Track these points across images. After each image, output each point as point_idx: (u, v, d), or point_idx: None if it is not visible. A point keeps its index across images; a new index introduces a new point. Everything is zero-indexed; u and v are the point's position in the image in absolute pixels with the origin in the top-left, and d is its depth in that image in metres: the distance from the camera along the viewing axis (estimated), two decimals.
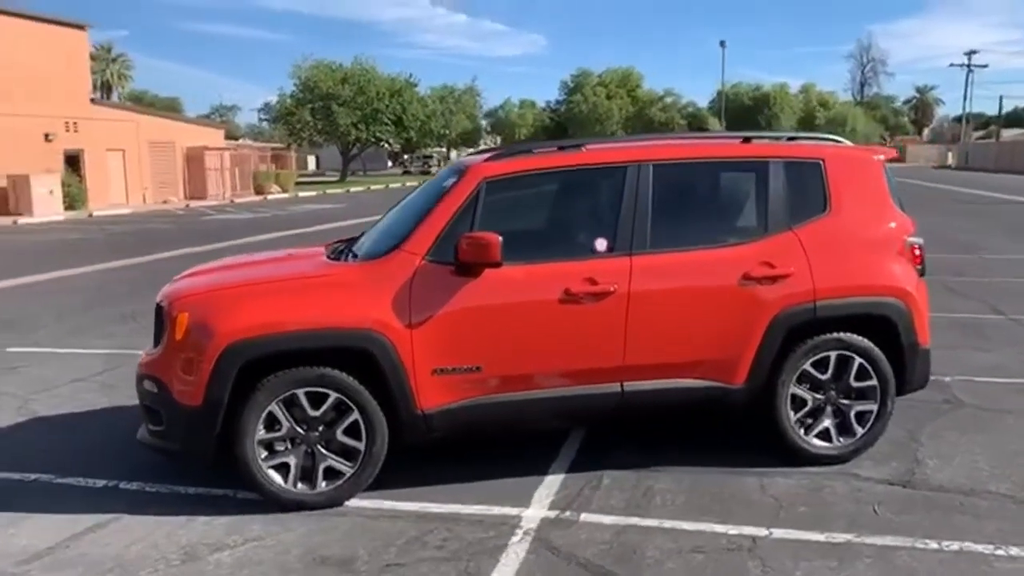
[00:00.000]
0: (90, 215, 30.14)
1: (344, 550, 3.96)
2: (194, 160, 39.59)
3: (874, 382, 4.83)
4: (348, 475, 4.43)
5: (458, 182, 4.64)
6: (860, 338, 4.79)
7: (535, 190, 4.90)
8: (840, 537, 3.98)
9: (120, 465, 5.03)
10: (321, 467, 4.41)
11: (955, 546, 3.87)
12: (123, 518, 4.37)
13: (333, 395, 4.36)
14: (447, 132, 78.92)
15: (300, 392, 4.33)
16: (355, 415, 4.39)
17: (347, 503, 4.45)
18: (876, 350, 4.81)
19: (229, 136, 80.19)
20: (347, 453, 4.43)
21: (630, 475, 4.78)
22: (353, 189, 48.27)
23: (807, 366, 4.77)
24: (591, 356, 4.58)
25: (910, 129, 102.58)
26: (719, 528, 4.10)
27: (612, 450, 5.17)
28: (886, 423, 4.93)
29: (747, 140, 5.06)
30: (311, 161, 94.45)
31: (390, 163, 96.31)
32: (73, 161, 33.26)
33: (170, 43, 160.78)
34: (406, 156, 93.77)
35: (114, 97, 77.72)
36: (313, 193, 44.50)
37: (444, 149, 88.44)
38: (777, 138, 5.25)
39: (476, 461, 4.98)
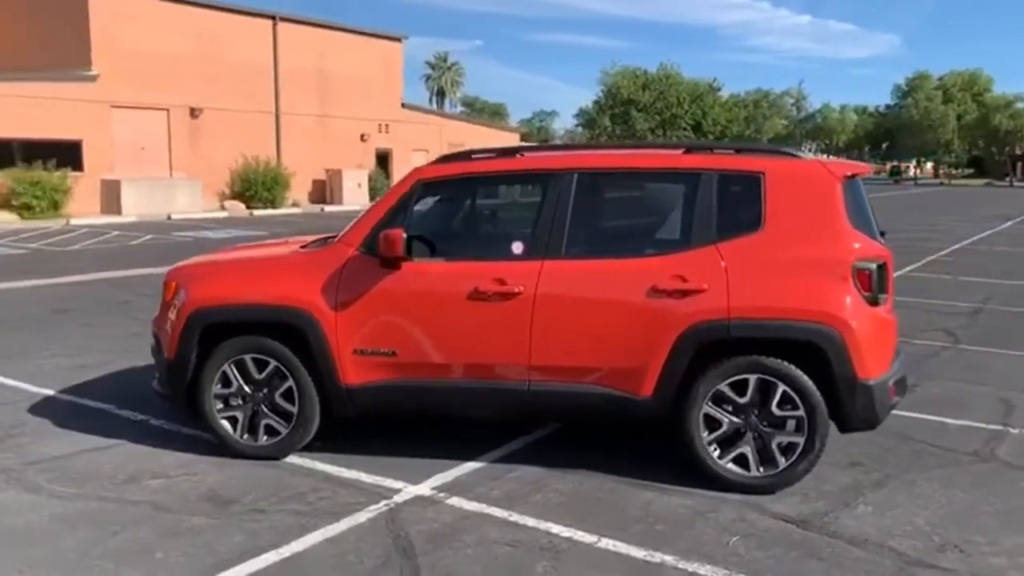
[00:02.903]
0: None
1: (237, 493, 4.63)
2: None
3: (800, 412, 4.51)
4: (284, 434, 5.09)
5: (399, 183, 5.10)
6: (784, 363, 4.50)
7: (469, 193, 5.21)
8: (659, 557, 3.89)
9: (165, 406, 6.10)
10: (263, 423, 5.12)
11: None
12: (124, 444, 5.42)
13: (272, 362, 5.05)
14: (759, 137, 76.72)
15: (247, 357, 5.07)
16: (290, 382, 5.03)
17: (285, 458, 5.12)
18: (804, 378, 4.49)
19: (544, 140, 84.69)
20: (284, 415, 5.09)
21: (542, 473, 4.92)
22: None
23: (723, 387, 4.58)
24: (498, 352, 4.81)
25: None
26: (555, 529, 4.18)
27: (559, 448, 5.32)
28: (815, 458, 4.58)
29: (688, 151, 4.93)
30: None
31: None
32: (383, 159, 37.53)
33: (516, 52, 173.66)
34: None
35: (446, 103, 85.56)
36: None
37: None
38: (724, 149, 5.00)
39: (425, 440, 5.41)
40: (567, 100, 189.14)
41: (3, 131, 25.12)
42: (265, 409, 5.11)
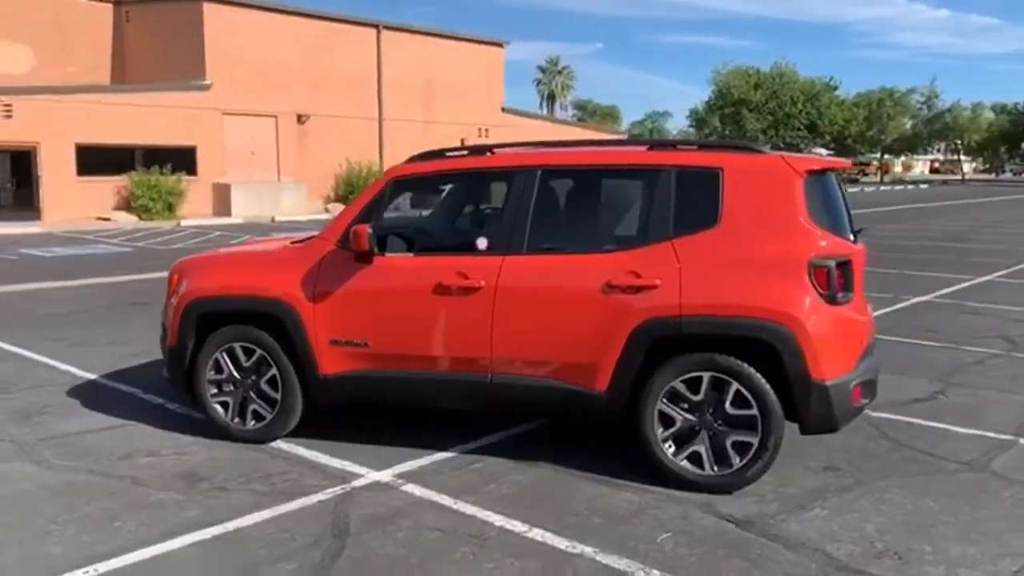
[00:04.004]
0: None
1: (213, 472, 4.92)
2: None
3: (754, 412, 4.43)
4: (268, 419, 5.35)
5: (376, 180, 5.29)
6: (737, 361, 4.42)
7: (441, 190, 5.33)
8: (580, 549, 3.92)
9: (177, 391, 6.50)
10: (250, 409, 5.40)
11: None
12: (136, 425, 5.83)
13: (258, 351, 5.32)
14: (883, 138, 73.50)
15: (236, 345, 5.37)
16: (273, 370, 5.30)
17: (269, 442, 5.38)
18: (757, 377, 4.40)
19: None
20: (269, 401, 5.35)
21: (507, 465, 4.99)
22: None
23: (677, 384, 4.54)
24: (462, 345, 4.92)
25: None
26: (492, 518, 4.26)
27: (533, 442, 5.38)
28: (770, 459, 4.47)
29: (652, 148, 4.89)
30: None
31: None
32: None
33: (636, 54, 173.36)
34: None
35: (557, 106, 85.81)
36: None
37: (878, 155, 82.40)
38: (687, 145, 4.92)
39: (412, 429, 5.57)
40: (685, 100, 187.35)
41: (126, 138, 26.96)
42: (253, 395, 5.39)
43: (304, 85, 31.29)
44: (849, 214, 4.92)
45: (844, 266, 4.46)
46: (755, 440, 4.45)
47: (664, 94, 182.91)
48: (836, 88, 59.81)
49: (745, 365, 4.41)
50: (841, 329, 4.46)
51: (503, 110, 39.04)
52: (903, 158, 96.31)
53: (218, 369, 5.43)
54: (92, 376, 7.15)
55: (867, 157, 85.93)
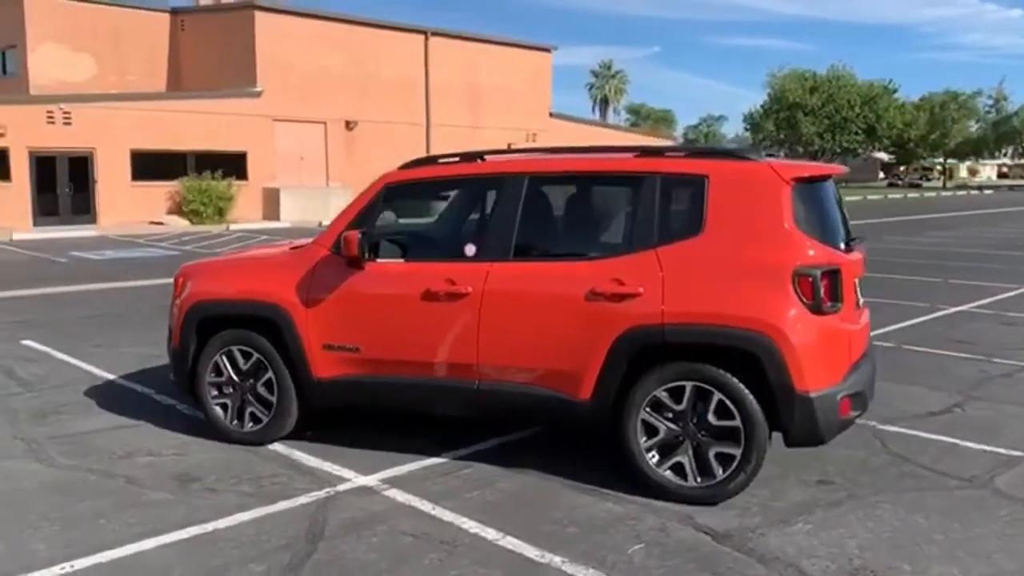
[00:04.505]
0: None
1: (206, 473, 5.02)
2: None
3: (737, 423, 4.35)
4: (265, 421, 5.43)
5: (369, 187, 5.34)
6: (719, 371, 4.35)
7: (433, 196, 5.35)
8: (549, 558, 3.89)
9: None
10: (248, 411, 5.49)
11: None
12: (143, 425, 5.97)
13: (255, 355, 5.41)
14: (946, 142, 71.64)
15: (235, 348, 5.46)
16: (269, 373, 5.38)
17: (267, 444, 5.46)
18: (740, 388, 4.32)
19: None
20: (266, 404, 5.43)
21: (496, 472, 4.99)
22: None
23: (660, 393, 4.48)
24: (449, 351, 4.93)
25: None
26: (467, 525, 4.26)
27: (528, 450, 5.36)
28: (753, 471, 4.39)
29: (639, 154, 4.83)
30: None
31: (882, 175, 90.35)
32: None
33: (693, 57, 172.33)
34: (901, 168, 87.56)
35: (610, 111, 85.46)
36: None
37: (942, 160, 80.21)
38: (675, 152, 4.84)
39: (409, 435, 5.58)
40: (742, 104, 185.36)
41: (179, 144, 27.69)
42: (250, 398, 5.47)
43: (351, 91, 31.73)
44: (846, 222, 4.80)
45: (832, 275, 4.35)
46: (738, 452, 4.37)
47: (720, 98, 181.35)
48: (895, 91, 58.40)
49: (728, 375, 4.34)
50: (827, 340, 4.35)
51: (551, 115, 39.04)
52: (968, 162, 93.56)
53: (218, 372, 5.53)
54: (111, 377, 7.35)
55: (930, 161, 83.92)
